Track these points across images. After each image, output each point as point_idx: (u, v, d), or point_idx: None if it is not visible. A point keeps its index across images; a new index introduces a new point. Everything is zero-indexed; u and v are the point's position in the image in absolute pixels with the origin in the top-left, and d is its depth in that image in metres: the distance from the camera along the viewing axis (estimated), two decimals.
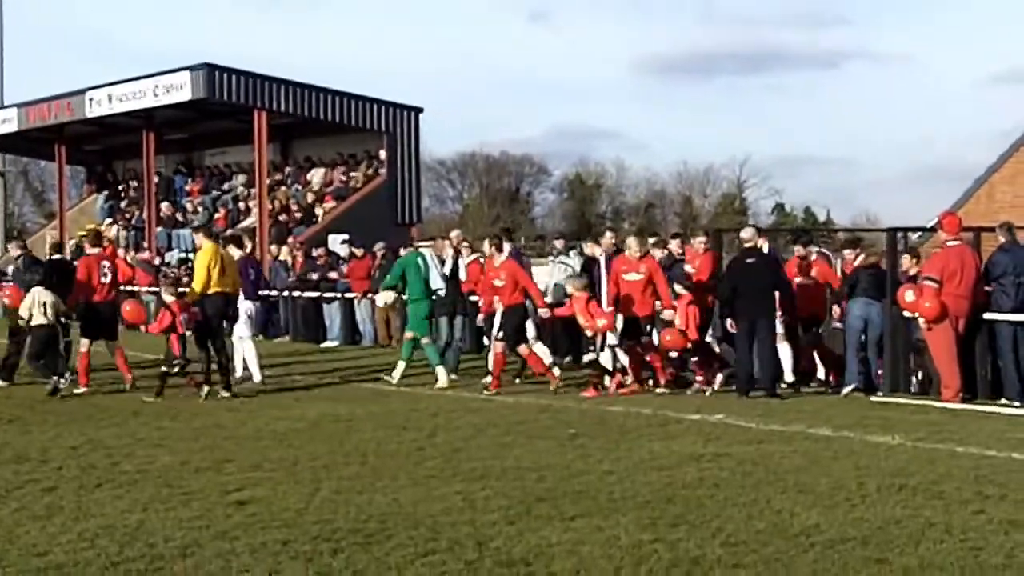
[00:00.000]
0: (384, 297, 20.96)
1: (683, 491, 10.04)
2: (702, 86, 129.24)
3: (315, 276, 28.99)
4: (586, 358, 19.54)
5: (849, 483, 10.35)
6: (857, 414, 15.09)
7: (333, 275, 28.72)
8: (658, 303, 17.56)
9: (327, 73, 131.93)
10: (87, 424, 14.36)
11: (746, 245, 17.63)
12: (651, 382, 17.72)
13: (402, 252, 24.93)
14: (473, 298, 21.43)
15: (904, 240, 19.29)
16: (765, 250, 18.09)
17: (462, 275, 21.21)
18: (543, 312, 18.74)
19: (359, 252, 28.10)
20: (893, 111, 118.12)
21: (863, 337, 17.45)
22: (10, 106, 44.49)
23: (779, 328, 17.64)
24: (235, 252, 19.19)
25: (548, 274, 21.86)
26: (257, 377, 18.89)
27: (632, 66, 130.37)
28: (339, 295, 28.16)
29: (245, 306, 18.98)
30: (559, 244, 23.27)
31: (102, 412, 15.55)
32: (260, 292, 20.56)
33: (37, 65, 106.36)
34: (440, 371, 18.54)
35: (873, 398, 16.62)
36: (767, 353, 17.08)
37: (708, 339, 18.49)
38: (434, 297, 19.45)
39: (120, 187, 47.02)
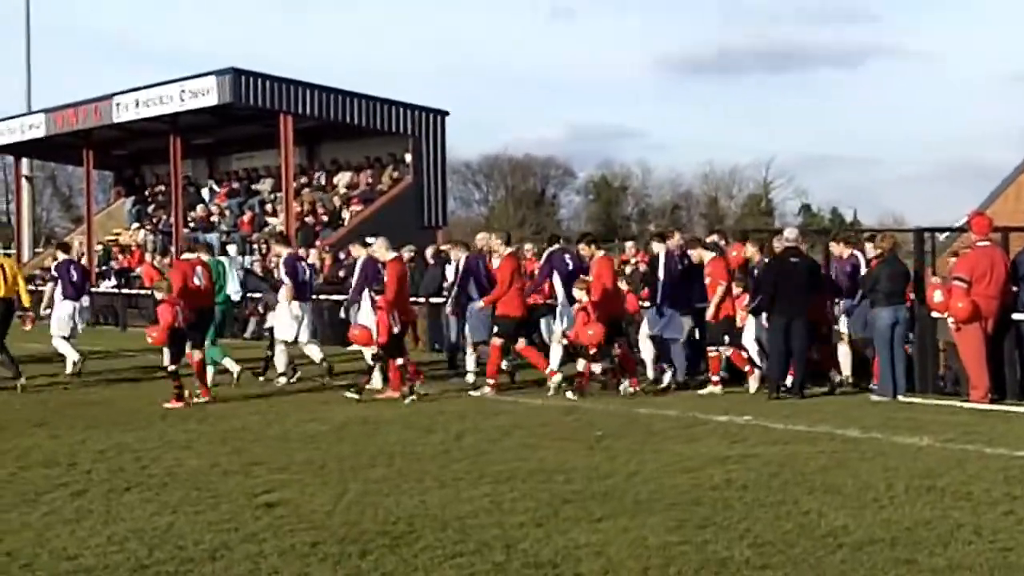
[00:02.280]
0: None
1: (710, 492, 10.03)
2: (727, 86, 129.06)
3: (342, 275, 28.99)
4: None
5: (877, 484, 10.32)
6: (885, 415, 15.04)
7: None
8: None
9: (351, 76, 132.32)
10: (114, 428, 14.41)
11: (789, 245, 17.61)
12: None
13: (427, 254, 25.12)
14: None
15: (932, 240, 19.21)
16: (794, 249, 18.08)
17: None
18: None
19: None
20: (918, 109, 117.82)
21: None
22: (38, 111, 44.70)
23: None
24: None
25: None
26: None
27: (656, 66, 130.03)
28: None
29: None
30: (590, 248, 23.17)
31: (129, 416, 15.60)
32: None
33: (63, 71, 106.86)
34: (228, 362, 19.10)
35: (901, 399, 16.55)
36: (800, 354, 17.06)
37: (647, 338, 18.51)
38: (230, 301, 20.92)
39: (147, 192, 47.19)
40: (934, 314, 16.92)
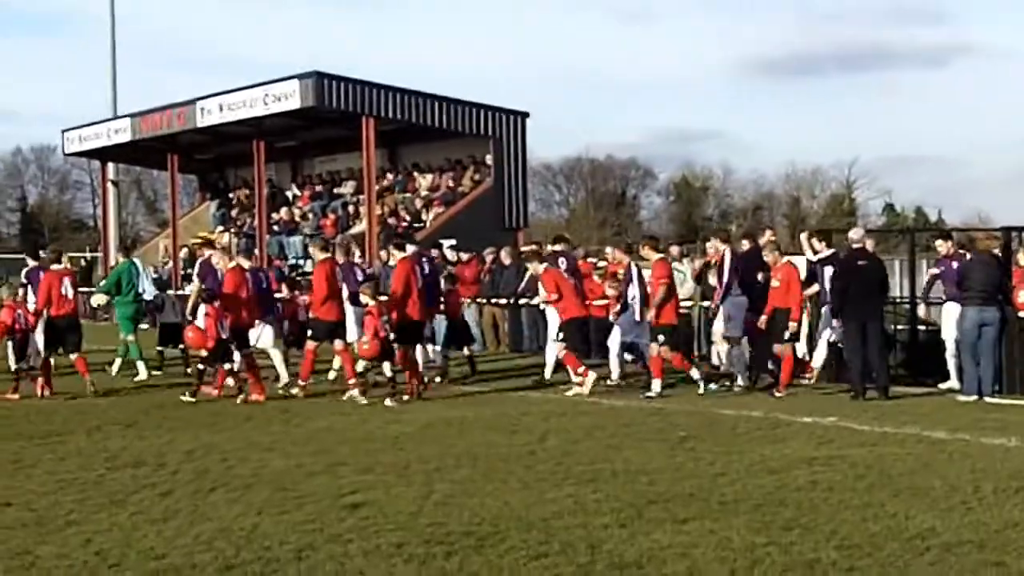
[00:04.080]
0: (97, 300, 23.24)
1: (796, 494, 9.97)
2: (809, 86, 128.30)
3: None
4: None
5: (965, 486, 10.22)
6: (972, 416, 14.88)
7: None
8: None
9: (431, 79, 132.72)
10: (201, 429, 14.55)
11: (855, 246, 17.47)
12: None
13: (503, 255, 25.15)
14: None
15: (1019, 239, 18.98)
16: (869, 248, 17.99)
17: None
18: None
19: (465, 257, 28.16)
20: (1005, 108, 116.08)
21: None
22: (123, 116, 45.15)
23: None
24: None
25: None
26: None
27: (738, 66, 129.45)
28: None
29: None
30: (675, 251, 23.18)
31: (215, 417, 15.75)
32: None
33: (148, 76, 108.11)
34: (140, 366, 20.66)
35: (988, 400, 16.35)
36: (877, 354, 16.91)
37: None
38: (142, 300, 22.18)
39: (231, 195, 47.59)
40: (1021, 314, 16.71)
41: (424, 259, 19.64)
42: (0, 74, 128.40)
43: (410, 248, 19.38)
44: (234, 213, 45.99)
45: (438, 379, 19.64)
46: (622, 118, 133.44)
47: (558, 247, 20.16)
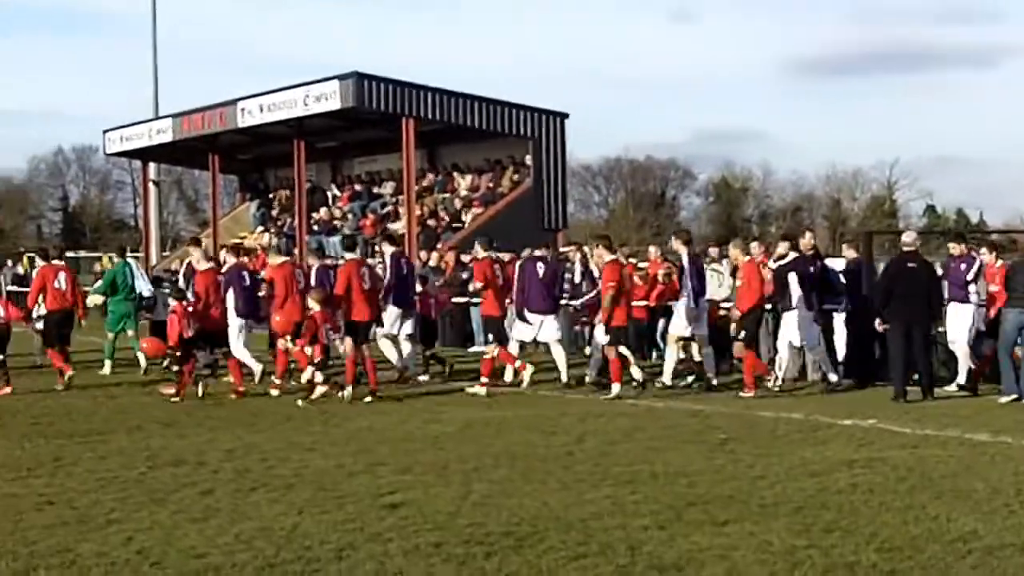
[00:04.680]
0: (93, 300, 22.99)
1: (836, 496, 9.94)
2: (850, 86, 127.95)
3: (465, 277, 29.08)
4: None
5: (1007, 488, 10.17)
6: (1015, 418, 14.80)
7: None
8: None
9: (470, 80, 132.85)
10: (241, 428, 14.61)
11: (906, 249, 17.43)
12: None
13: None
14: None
15: None
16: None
17: None
18: None
19: (506, 257, 28.13)
20: None
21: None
22: (164, 116, 45.41)
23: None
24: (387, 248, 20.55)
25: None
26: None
27: (778, 66, 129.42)
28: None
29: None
30: (713, 252, 23.16)
31: (254, 416, 15.80)
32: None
33: (189, 77, 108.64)
34: (107, 364, 21.25)
35: None
36: (923, 356, 16.87)
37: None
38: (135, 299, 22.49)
39: (271, 195, 47.76)
40: None
41: (403, 260, 20.64)
42: (42, 74, 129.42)
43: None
44: (274, 213, 46.15)
45: (422, 377, 20.17)
46: (662, 118, 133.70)
47: (538, 252, 20.34)
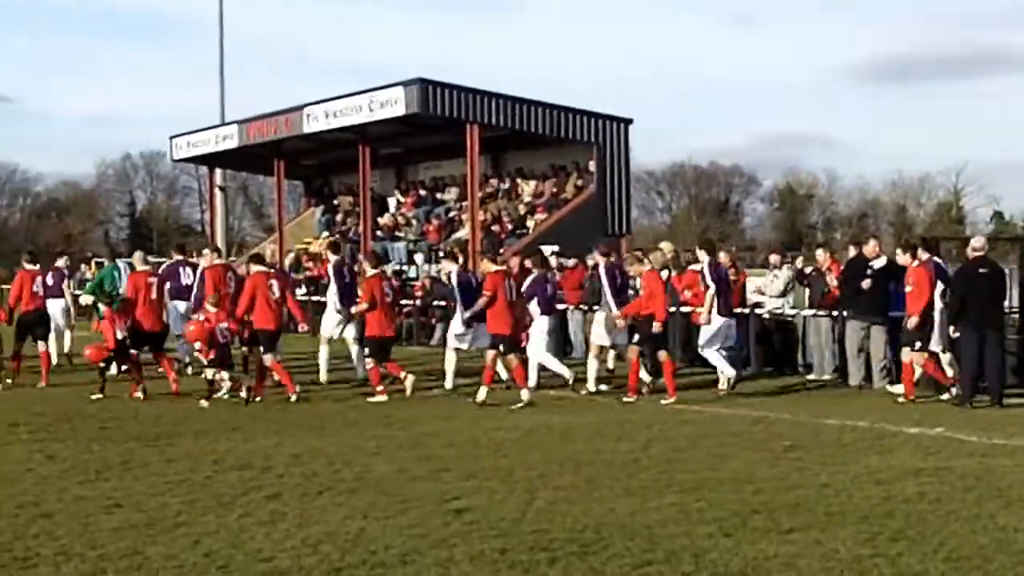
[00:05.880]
0: (84, 300, 23.96)
1: (903, 505, 9.87)
2: (917, 91, 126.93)
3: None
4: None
5: None
6: None
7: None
8: None
9: (534, 86, 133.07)
10: (307, 433, 14.69)
11: (976, 255, 17.31)
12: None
13: (600, 260, 25.13)
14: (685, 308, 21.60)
15: None
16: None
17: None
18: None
19: (570, 263, 28.13)
20: None
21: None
22: (231, 123, 45.72)
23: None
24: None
25: (763, 286, 22.24)
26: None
27: (842, 70, 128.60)
28: None
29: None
30: (774, 259, 23.11)
31: (320, 421, 15.89)
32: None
33: (255, 84, 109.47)
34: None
35: None
36: (994, 362, 16.75)
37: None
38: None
39: (335, 201, 47.96)
40: None
41: (346, 268, 21.23)
42: (110, 80, 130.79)
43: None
44: (338, 218, 46.35)
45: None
46: (726, 123, 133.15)
47: (525, 261, 20.59)
